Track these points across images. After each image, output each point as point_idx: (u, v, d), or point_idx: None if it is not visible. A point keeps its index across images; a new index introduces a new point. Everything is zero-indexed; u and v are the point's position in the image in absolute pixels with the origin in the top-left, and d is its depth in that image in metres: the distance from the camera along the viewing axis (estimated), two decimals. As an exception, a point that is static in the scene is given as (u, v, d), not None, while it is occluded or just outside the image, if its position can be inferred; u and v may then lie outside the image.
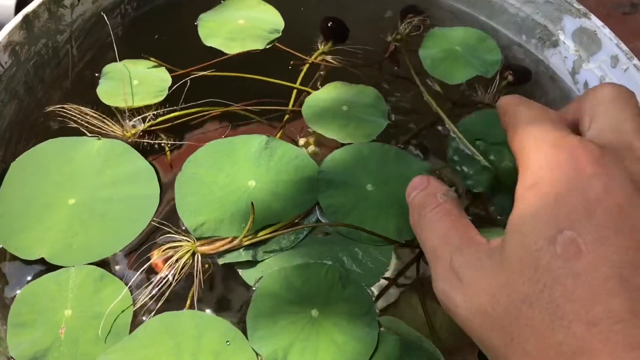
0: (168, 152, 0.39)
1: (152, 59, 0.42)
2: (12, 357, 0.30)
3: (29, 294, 0.33)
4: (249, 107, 0.41)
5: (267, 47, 0.45)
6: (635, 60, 0.40)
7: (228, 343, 0.31)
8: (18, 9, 0.64)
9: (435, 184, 0.32)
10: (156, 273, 0.33)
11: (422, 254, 0.32)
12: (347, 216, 0.37)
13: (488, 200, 0.39)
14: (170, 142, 0.39)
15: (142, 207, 0.36)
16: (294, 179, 0.38)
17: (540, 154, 0.26)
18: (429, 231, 0.30)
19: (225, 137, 0.40)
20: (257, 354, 0.31)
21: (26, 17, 0.37)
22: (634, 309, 0.21)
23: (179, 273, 0.33)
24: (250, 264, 0.34)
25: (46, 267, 0.34)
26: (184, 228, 0.35)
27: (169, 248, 0.33)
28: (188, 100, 0.40)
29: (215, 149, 0.39)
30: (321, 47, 0.46)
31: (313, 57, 0.45)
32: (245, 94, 0.41)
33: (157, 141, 0.39)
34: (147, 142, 0.39)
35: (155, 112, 0.39)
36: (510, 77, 0.45)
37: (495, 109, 0.32)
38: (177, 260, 0.33)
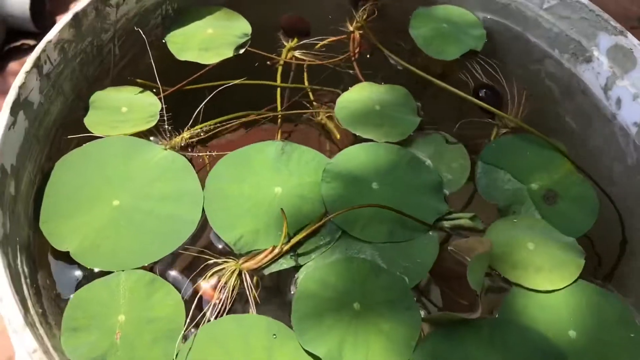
0: (208, 164, 0.39)
1: (139, 80, 0.41)
2: (70, 361, 0.30)
3: (81, 299, 0.32)
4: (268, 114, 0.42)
5: (241, 52, 0.45)
6: (671, 80, 0.41)
7: (274, 336, 0.32)
8: (32, 3, 0.63)
9: None
10: (208, 300, 0.33)
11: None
12: (344, 208, 0.36)
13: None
14: (208, 153, 0.39)
15: (177, 230, 0.35)
16: (316, 180, 0.38)
17: None
18: None
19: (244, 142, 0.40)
20: (310, 354, 0.31)
21: (76, 16, 0.37)
22: None
23: (230, 295, 0.32)
24: (296, 268, 0.35)
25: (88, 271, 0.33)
26: (220, 247, 0.35)
27: (214, 273, 0.33)
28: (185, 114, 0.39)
29: (232, 161, 0.39)
30: (287, 45, 0.45)
31: (283, 56, 0.45)
32: (244, 100, 0.42)
33: (199, 153, 0.39)
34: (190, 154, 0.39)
35: (202, 128, 0.39)
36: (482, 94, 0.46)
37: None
38: (226, 283, 0.33)
